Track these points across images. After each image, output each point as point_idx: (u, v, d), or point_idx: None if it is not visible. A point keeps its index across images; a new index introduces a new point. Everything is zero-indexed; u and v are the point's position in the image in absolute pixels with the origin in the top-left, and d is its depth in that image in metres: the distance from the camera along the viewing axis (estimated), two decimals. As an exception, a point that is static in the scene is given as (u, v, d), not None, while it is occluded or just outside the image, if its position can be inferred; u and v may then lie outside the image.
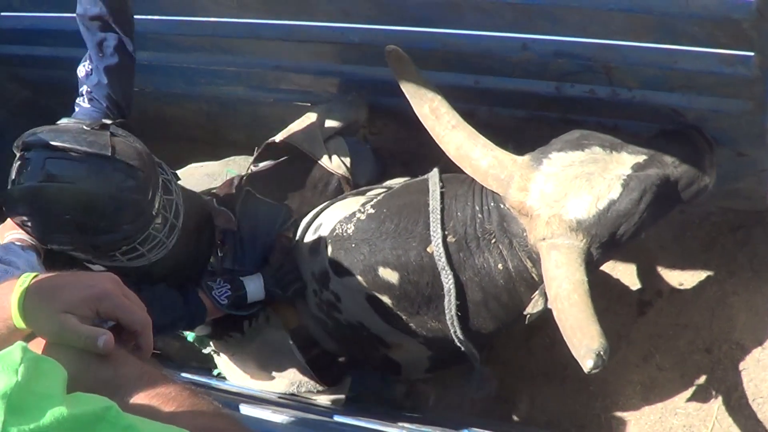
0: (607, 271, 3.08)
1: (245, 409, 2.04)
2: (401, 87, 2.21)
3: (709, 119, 2.14)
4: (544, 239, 2.01)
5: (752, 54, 1.79)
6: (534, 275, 2.19)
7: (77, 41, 2.82)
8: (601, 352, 1.80)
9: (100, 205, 1.95)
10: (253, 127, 3.15)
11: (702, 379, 2.73)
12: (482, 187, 2.23)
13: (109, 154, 1.95)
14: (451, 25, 2.14)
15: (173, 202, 2.17)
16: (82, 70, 2.22)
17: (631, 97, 2.17)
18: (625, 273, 3.08)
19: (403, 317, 2.41)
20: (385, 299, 2.37)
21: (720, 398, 2.66)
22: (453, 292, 2.25)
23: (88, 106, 2.21)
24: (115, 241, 2.04)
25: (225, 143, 3.21)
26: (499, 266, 2.23)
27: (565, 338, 1.90)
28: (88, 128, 2.01)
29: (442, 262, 2.23)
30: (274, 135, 2.63)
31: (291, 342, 2.55)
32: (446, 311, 2.29)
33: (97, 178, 1.94)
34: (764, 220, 2.80)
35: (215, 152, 3.03)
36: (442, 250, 2.23)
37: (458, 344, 2.36)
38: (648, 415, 2.80)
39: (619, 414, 2.88)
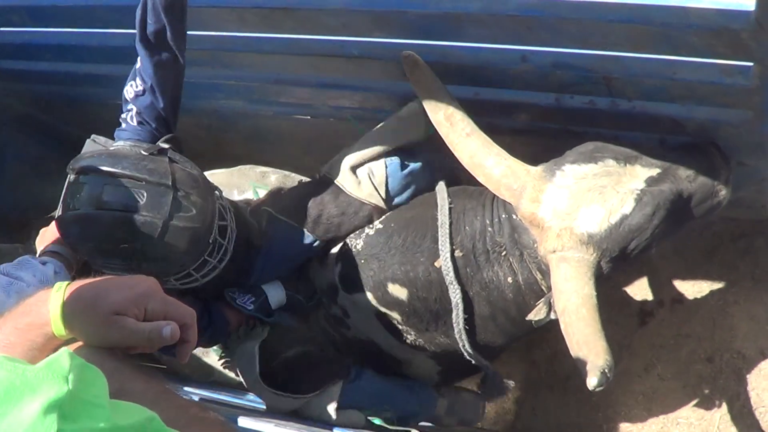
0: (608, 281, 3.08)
1: (246, 422, 2.03)
2: (417, 93, 2.22)
3: (709, 129, 2.14)
4: (554, 251, 2.00)
5: (751, 64, 1.78)
6: (543, 287, 2.17)
7: (76, 56, 2.85)
8: (606, 370, 1.78)
9: (159, 234, 1.91)
10: (254, 140, 3.15)
11: (704, 389, 2.73)
12: (493, 199, 2.23)
13: (169, 183, 1.93)
14: (450, 38, 2.14)
15: (227, 228, 2.16)
16: (130, 91, 2.15)
17: (630, 107, 2.17)
18: (626, 283, 3.09)
19: (413, 333, 2.41)
20: (395, 315, 2.36)
21: (722, 408, 2.66)
22: (461, 306, 2.24)
23: (136, 126, 2.16)
24: (170, 268, 2.03)
25: (225, 157, 3.21)
26: (509, 280, 2.22)
27: (570, 352, 1.89)
28: (147, 153, 1.98)
29: (450, 277, 2.22)
30: (274, 148, 2.63)
31: (256, 349, 2.43)
32: (454, 326, 2.27)
33: (156, 208, 1.91)
34: (765, 229, 2.81)
35: (216, 166, 3.03)
36: (450, 264, 2.22)
37: (468, 358, 2.35)
38: (650, 425, 2.80)
39: (621, 424, 2.88)
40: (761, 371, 2.62)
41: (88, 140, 2.33)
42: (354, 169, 2.45)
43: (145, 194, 1.89)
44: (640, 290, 3.06)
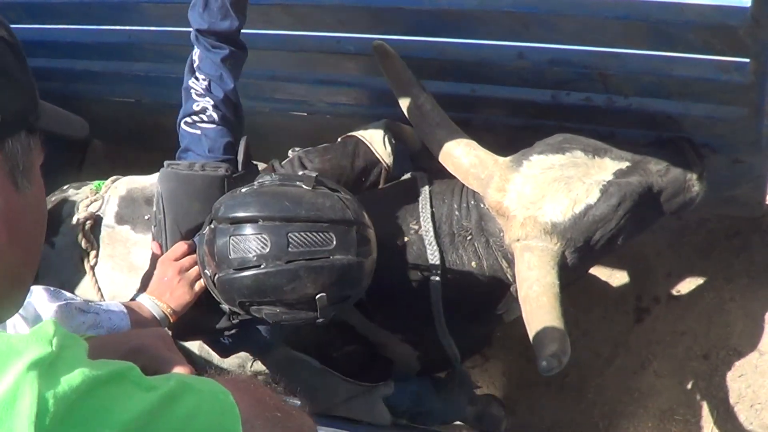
0: (604, 278, 3.08)
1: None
2: (388, 83, 2.22)
3: (705, 126, 2.14)
4: (518, 240, 2.02)
5: (748, 60, 1.79)
6: (509, 275, 2.19)
7: (72, 53, 2.84)
8: (560, 354, 1.80)
9: (353, 275, 1.77)
10: (250, 136, 3.13)
11: (700, 386, 2.73)
12: (462, 186, 2.24)
13: (352, 218, 1.77)
14: (447, 34, 2.14)
15: None
16: (197, 88, 2.04)
17: (627, 104, 2.17)
18: (622, 280, 3.09)
19: (383, 313, 2.39)
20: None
21: (718, 405, 2.66)
22: (439, 267, 2.22)
23: (218, 123, 2.06)
24: (348, 306, 1.87)
25: (221, 153, 3.21)
26: (473, 264, 2.23)
27: (530, 338, 1.91)
28: (309, 188, 1.79)
29: (429, 237, 2.23)
30: (270, 145, 2.63)
31: (301, 355, 2.36)
32: (432, 290, 2.24)
33: (347, 247, 1.74)
34: (761, 226, 2.81)
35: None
36: (430, 225, 2.23)
37: (442, 342, 2.34)
38: (646, 422, 2.80)
39: (617, 421, 2.88)
40: (757, 368, 2.63)
41: (164, 169, 2.11)
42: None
43: (333, 235, 1.72)
44: (636, 287, 3.07)
